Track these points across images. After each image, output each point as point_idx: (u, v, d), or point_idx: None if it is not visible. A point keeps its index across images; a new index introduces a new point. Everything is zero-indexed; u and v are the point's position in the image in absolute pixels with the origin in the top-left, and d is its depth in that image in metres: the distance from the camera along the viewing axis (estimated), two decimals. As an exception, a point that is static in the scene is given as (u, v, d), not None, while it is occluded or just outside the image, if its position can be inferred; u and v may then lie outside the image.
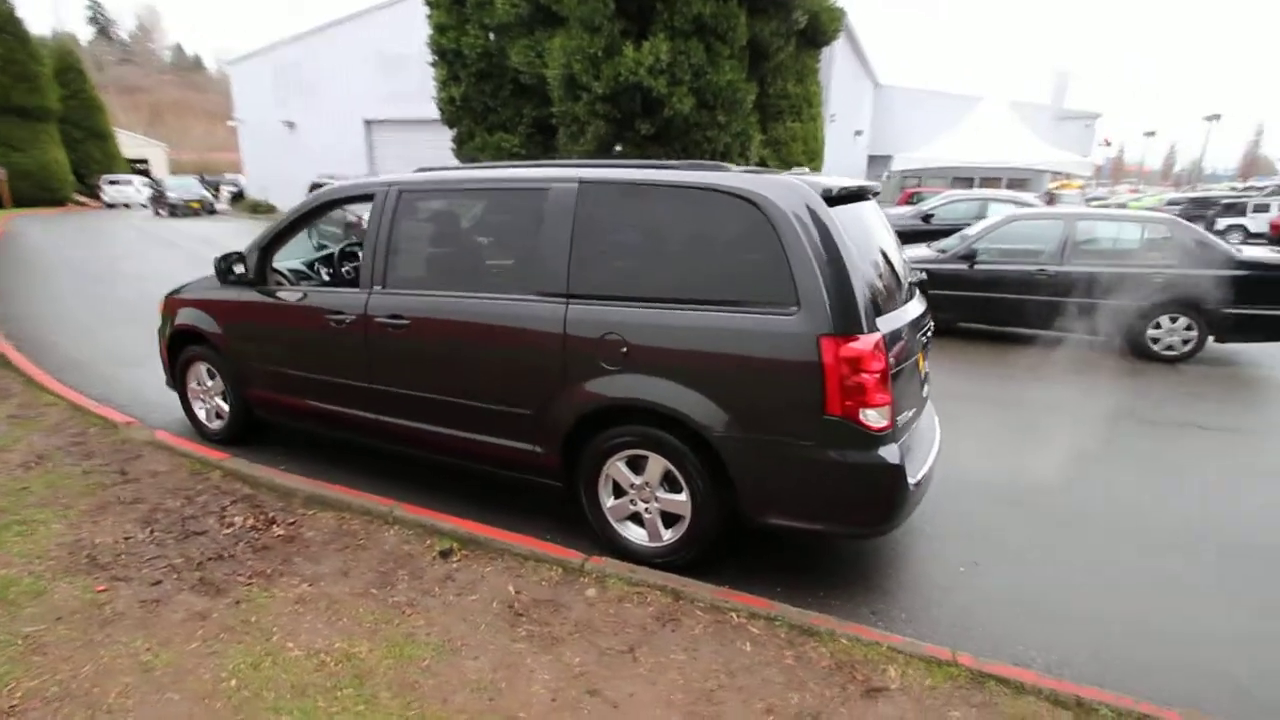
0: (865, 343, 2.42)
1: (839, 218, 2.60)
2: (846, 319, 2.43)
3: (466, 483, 3.68)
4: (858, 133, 25.91)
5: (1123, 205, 25.75)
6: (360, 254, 4.37)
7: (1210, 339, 6.42)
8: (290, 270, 4.13)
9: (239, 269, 3.77)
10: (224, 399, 4.19)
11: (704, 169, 2.81)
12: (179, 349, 4.29)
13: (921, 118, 26.48)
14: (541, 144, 13.12)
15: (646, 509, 2.90)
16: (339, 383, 3.54)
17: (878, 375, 2.43)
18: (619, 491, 2.95)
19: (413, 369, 3.27)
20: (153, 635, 2.38)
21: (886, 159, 25.73)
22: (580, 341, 2.82)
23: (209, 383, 4.23)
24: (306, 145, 24.35)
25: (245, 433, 4.18)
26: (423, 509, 3.24)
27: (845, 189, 2.80)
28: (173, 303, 4.31)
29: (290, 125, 24.71)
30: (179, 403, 4.40)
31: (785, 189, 2.59)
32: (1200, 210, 21.27)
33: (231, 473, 3.64)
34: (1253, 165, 67.12)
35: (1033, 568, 3.05)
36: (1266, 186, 26.40)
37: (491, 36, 12.54)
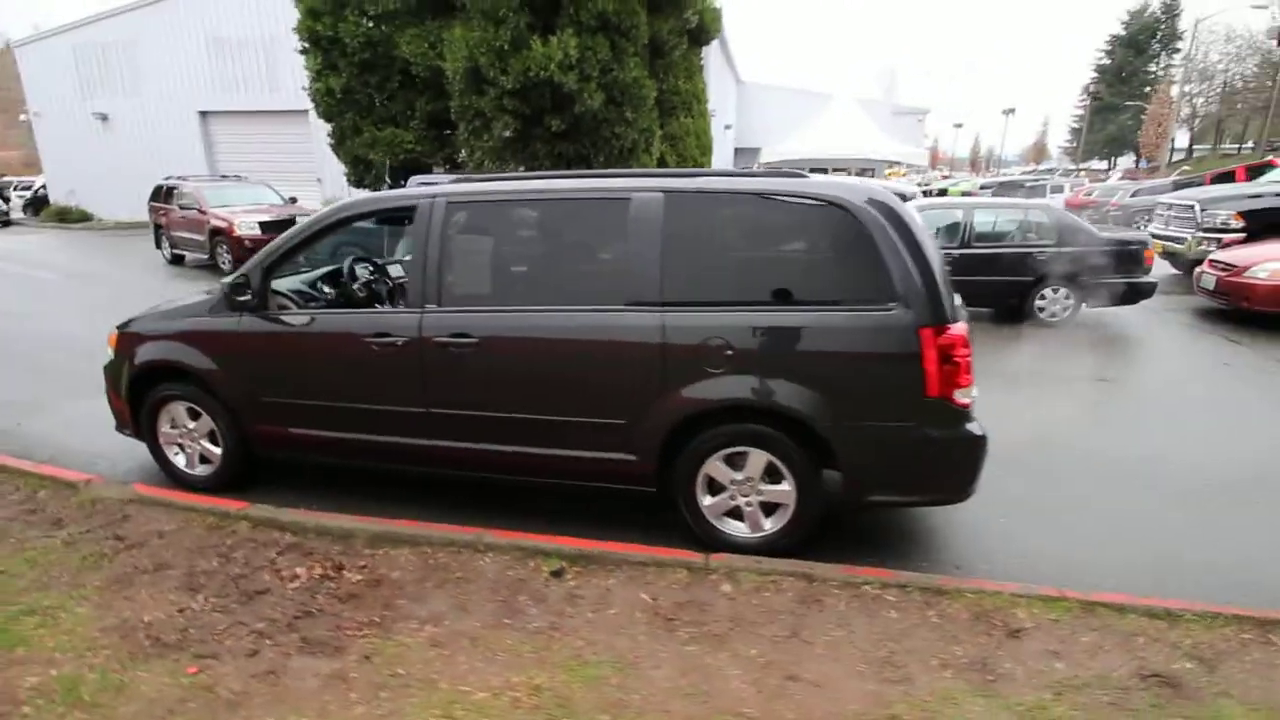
0: (956, 330, 2.73)
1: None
2: (938, 310, 2.72)
3: (511, 500, 3.59)
4: (727, 127, 27.19)
5: (943, 191, 29.28)
6: (356, 270, 4.08)
7: (1083, 305, 7.67)
8: (292, 292, 3.74)
9: (246, 295, 3.35)
10: (212, 441, 3.72)
11: (783, 177, 2.97)
12: (142, 390, 3.73)
13: (779, 113, 28.34)
14: (437, 140, 12.49)
15: (747, 502, 3.05)
16: (382, 410, 3.30)
17: (967, 358, 2.76)
18: (713, 489, 3.07)
19: (482, 389, 3.14)
20: (303, 709, 2.15)
21: (752, 151, 27.31)
22: (680, 348, 2.88)
23: (190, 425, 3.73)
24: (127, 140, 21.21)
25: (238, 477, 3.75)
26: (510, 532, 3.14)
27: (902, 193, 3.10)
28: (129, 337, 3.74)
29: (104, 118, 21.36)
30: (132, 449, 3.84)
31: (870, 193, 2.82)
32: (1008, 192, 24.72)
33: (263, 521, 3.27)
34: (1040, 152, 78.83)
35: (1045, 514, 3.58)
36: (1056, 170, 31.19)
37: (371, 24, 11.69)
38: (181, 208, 12.46)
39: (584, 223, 3.11)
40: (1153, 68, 58.32)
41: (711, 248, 2.94)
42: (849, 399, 2.80)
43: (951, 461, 2.85)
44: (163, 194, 13.33)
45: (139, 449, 4.18)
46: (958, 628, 2.51)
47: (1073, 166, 53.58)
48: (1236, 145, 52.80)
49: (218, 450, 3.71)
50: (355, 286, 3.91)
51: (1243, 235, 8.97)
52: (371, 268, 4.21)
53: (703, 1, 13.25)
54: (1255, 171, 17.02)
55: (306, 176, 19.92)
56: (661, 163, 13.08)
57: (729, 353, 2.83)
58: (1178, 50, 56.91)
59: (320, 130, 20.28)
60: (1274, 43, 43.92)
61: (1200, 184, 16.60)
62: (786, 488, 2.97)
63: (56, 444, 4.44)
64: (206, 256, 12.18)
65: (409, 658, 2.39)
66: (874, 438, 2.82)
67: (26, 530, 3.27)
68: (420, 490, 3.72)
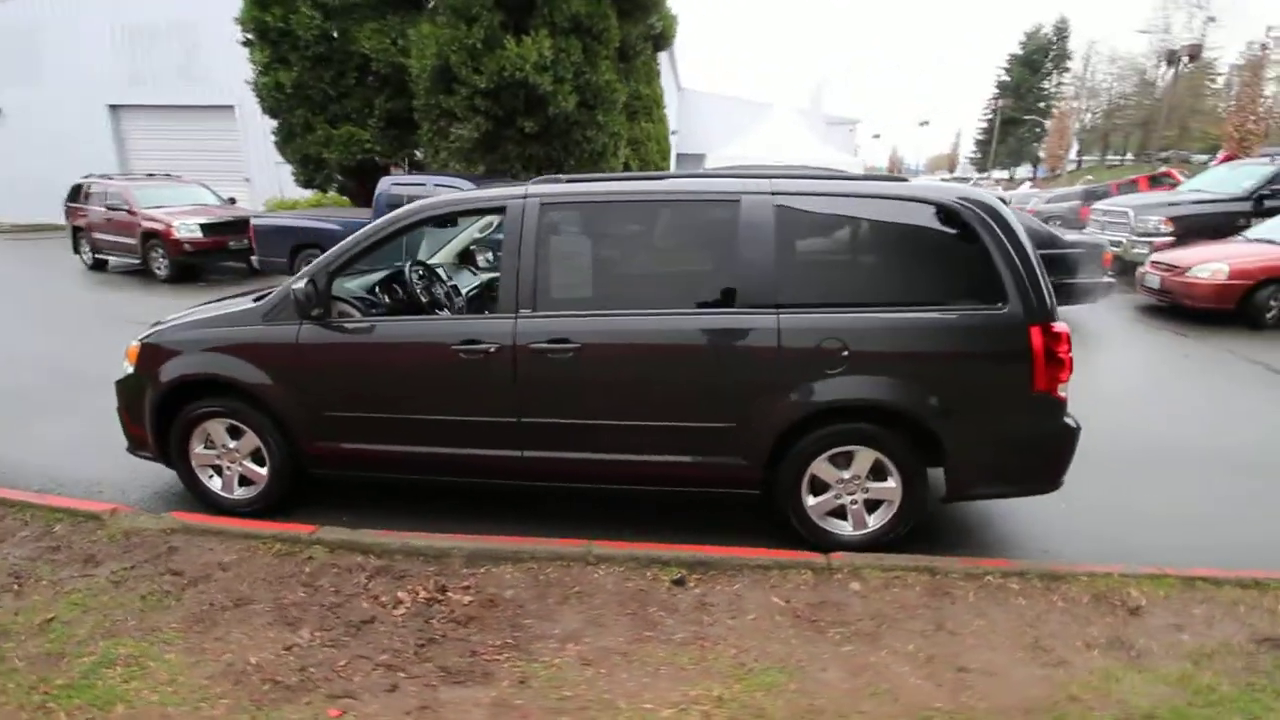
0: (1061, 327, 2.86)
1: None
2: (1044, 308, 2.85)
3: (566, 509, 3.49)
4: (673, 132, 27.46)
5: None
6: (413, 274, 3.85)
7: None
8: (352, 299, 3.47)
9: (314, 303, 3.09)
10: (256, 461, 3.41)
11: (884, 179, 3.03)
12: (173, 408, 3.38)
13: (720, 120, 28.86)
14: (397, 139, 11.97)
15: (852, 500, 3.08)
16: (466, 421, 3.13)
17: (1069, 354, 2.89)
18: (815, 489, 3.08)
19: (581, 397, 3.03)
20: (482, 741, 2.00)
21: (695, 157, 27.66)
22: (796, 350, 2.88)
23: (231, 444, 3.41)
24: (26, 136, 19.20)
25: (285, 498, 3.46)
26: (617, 542, 3.04)
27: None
28: (154, 351, 3.38)
29: (-5, 110, 19.25)
30: (136, 473, 3.48)
31: (971, 194, 2.92)
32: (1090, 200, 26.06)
33: (341, 545, 3.02)
34: (952, 162, 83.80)
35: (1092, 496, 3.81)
36: (969, 179, 33.33)
37: (326, 18, 11.07)
38: (108, 208, 11.38)
39: (690, 224, 3.05)
40: (1046, 85, 63.41)
41: (824, 249, 2.96)
42: (960, 396, 2.88)
43: (1049, 453, 2.98)
44: (83, 194, 12.14)
45: (144, 472, 3.82)
46: (1084, 609, 2.63)
47: (979, 175, 57.49)
48: (1119, 156, 58.27)
49: (263, 471, 3.41)
50: (419, 291, 3.68)
51: (1172, 239, 9.88)
52: (424, 271, 3.98)
53: (664, 7, 13.36)
54: (1155, 180, 18.76)
55: (233, 176, 18.62)
56: (626, 167, 13.07)
57: (845, 353, 2.86)
58: (1068, 69, 62.29)
59: (249, 127, 19.13)
60: (1150, 64, 48.72)
61: (1107, 193, 18.21)
62: (892, 485, 3.02)
63: (38, 472, 3.95)
64: (138, 261, 11.18)
65: (568, 679, 2.27)
66: (982, 433, 2.91)
67: (57, 571, 2.89)
68: (466, 503, 3.56)
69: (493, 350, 3.00)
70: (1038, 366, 2.83)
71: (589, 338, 2.97)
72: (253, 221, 9.94)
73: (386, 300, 3.69)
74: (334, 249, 3.21)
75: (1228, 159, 17.55)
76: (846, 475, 3.03)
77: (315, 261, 3.21)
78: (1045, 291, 2.86)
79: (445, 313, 3.77)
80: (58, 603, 2.67)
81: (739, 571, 2.86)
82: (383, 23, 10.71)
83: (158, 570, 2.89)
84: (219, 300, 3.97)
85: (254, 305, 3.33)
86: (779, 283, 2.89)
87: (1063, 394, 2.91)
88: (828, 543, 3.07)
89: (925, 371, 2.88)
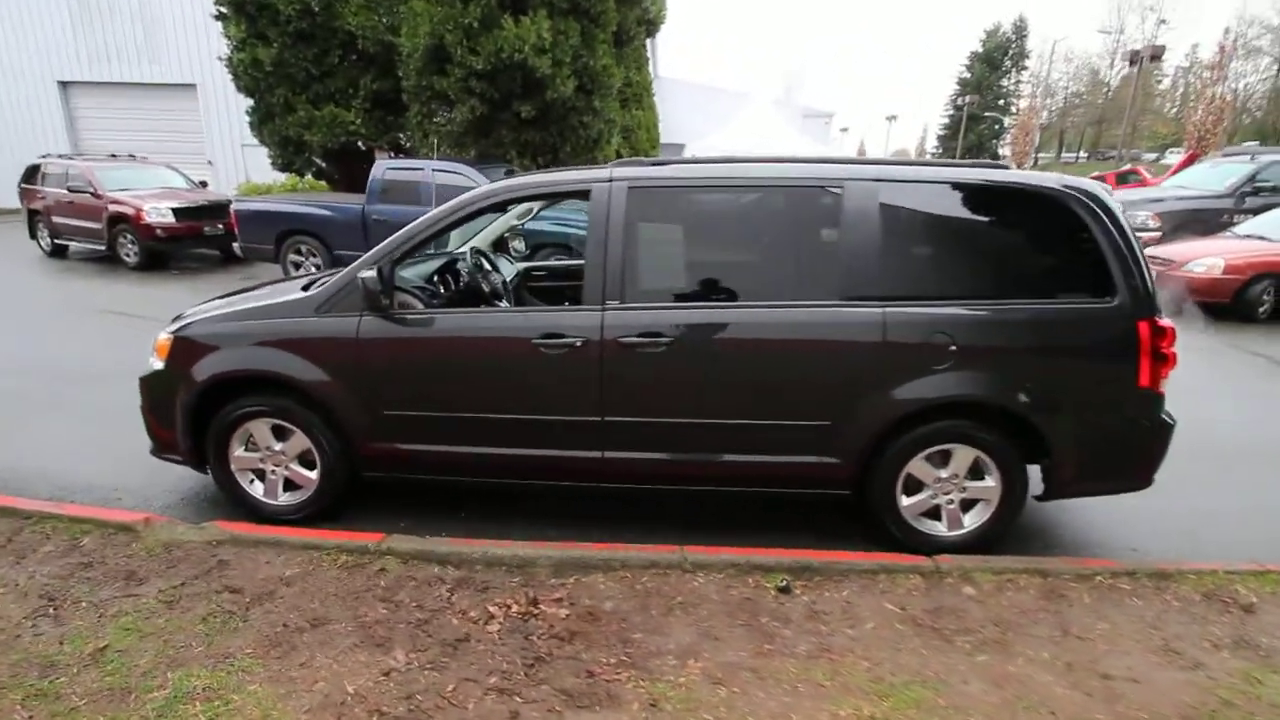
0: (1166, 321, 2.80)
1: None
2: (1151, 302, 2.78)
3: (629, 510, 3.34)
4: (651, 120, 27.17)
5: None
6: (473, 262, 3.59)
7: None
8: (411, 288, 3.21)
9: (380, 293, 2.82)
10: (304, 464, 3.15)
11: (989, 168, 2.92)
12: (211, 407, 3.09)
13: (698, 110, 28.68)
14: (383, 122, 11.45)
15: (949, 500, 2.98)
16: (544, 420, 2.93)
17: (1173, 349, 2.84)
18: (911, 489, 2.98)
19: (671, 394, 2.86)
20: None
21: (675, 147, 27.46)
22: (901, 345, 2.76)
23: (276, 446, 3.13)
24: (-35, 112, 17.89)
25: (337, 503, 3.21)
26: (713, 547, 2.88)
27: None
28: (189, 346, 3.08)
29: (-71, 84, 17.87)
30: (157, 475, 3.19)
31: (1080, 184, 2.83)
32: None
33: (414, 555, 2.79)
34: (920, 155, 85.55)
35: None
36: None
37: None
38: (70, 190, 10.63)
39: (790, 212, 2.89)
40: (1005, 83, 65.08)
41: (930, 239, 2.84)
42: (1066, 392, 2.80)
43: (1146, 450, 2.92)
44: (39, 175, 11.33)
45: (166, 476, 3.52)
46: (1199, 609, 2.59)
47: (944, 170, 58.59)
48: (1073, 154, 60.27)
49: (312, 475, 3.14)
50: (480, 281, 3.42)
51: (1159, 234, 10.14)
52: (481, 260, 3.72)
53: (654, -8, 13.11)
54: (1122, 178, 19.37)
55: (194, 159, 17.72)
56: (618, 155, 12.81)
57: (953, 348, 2.74)
58: (1026, 68, 64.05)
59: (213, 107, 18.23)
60: (1104, 64, 50.38)
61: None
62: (991, 484, 2.93)
63: (39, 477, 3.60)
64: (104, 247, 10.49)
65: (703, 700, 2.11)
66: (1085, 430, 2.84)
67: (96, 590, 2.60)
68: (513, 505, 3.39)
69: (579, 344, 2.80)
70: (1144, 361, 2.77)
71: (682, 332, 2.79)
72: (235, 206, 9.39)
73: (443, 291, 3.43)
74: (398, 234, 2.95)
75: (1191, 158, 18.17)
76: (944, 474, 2.94)
77: (378, 248, 2.95)
78: (1150, 284, 2.80)
79: (503, 304, 3.53)
80: (106, 628, 2.39)
81: (844, 577, 2.74)
82: (370, -1, 10.20)
83: (212, 588, 2.62)
84: (247, 290, 3.65)
85: (304, 296, 3.05)
86: (884, 274, 2.76)
87: (1163, 389, 2.86)
88: (922, 544, 2.97)
89: (1032, 366, 2.79)
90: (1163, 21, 48.32)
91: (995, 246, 2.92)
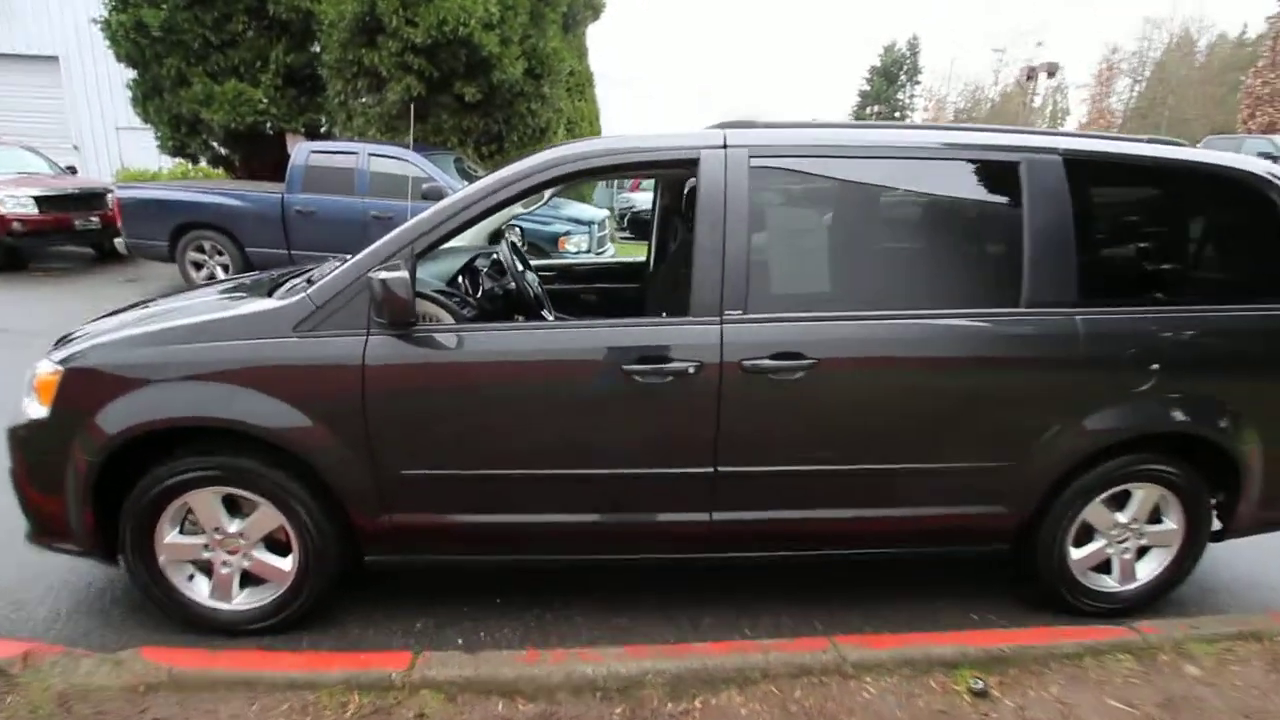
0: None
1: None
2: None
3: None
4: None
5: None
6: (511, 262, 2.70)
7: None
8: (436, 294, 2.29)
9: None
10: (274, 549, 2.20)
11: (1170, 143, 2.39)
12: (128, 472, 2.08)
13: (625, 109, 28.07)
14: (296, 101, 9.99)
15: (1124, 550, 2.44)
16: (634, 475, 2.14)
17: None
18: (1081, 538, 2.41)
19: (809, 433, 2.14)
20: None
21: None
22: (1097, 362, 2.17)
23: (231, 526, 2.16)
24: None
25: (319, 604, 2.26)
26: (869, 637, 2.19)
27: None
28: (98, 381, 2.06)
29: None
30: (39, 571, 2.15)
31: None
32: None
33: (465, 685, 1.91)
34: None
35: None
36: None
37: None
38: (-107, 174, 8.55)
39: (958, 191, 2.23)
40: (901, 96, 68.97)
41: (1123, 229, 2.27)
42: (1267, 414, 2.32)
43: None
44: None
45: (53, 570, 2.44)
46: None
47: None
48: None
49: (286, 564, 2.19)
50: (528, 286, 2.52)
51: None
52: (518, 259, 2.82)
53: (599, -25, 12.35)
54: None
55: (57, 142, 15.21)
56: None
57: (1155, 366, 2.19)
58: (919, 82, 68.13)
59: (78, 82, 15.70)
60: (988, 81, 54.27)
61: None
62: (1172, 526, 2.41)
63: None
64: (-58, 244, 8.50)
65: None
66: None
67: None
68: (558, 582, 2.57)
69: (691, 371, 2.02)
70: (1353, 379, 2.33)
71: (828, 350, 2.08)
72: (118, 193, 7.79)
73: (473, 299, 2.53)
74: (421, 218, 2.06)
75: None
76: (1123, 518, 2.39)
77: (393, 236, 2.04)
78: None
79: (550, 316, 2.66)
80: None
81: (1044, 666, 2.11)
82: (284, -43, 8.81)
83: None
84: (171, 299, 2.61)
85: (274, 306, 2.09)
86: (1077, 272, 2.16)
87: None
88: (1092, 604, 2.42)
89: (1239, 386, 2.29)
90: (1040, 44, 52.58)
91: (1199, 240, 2.40)
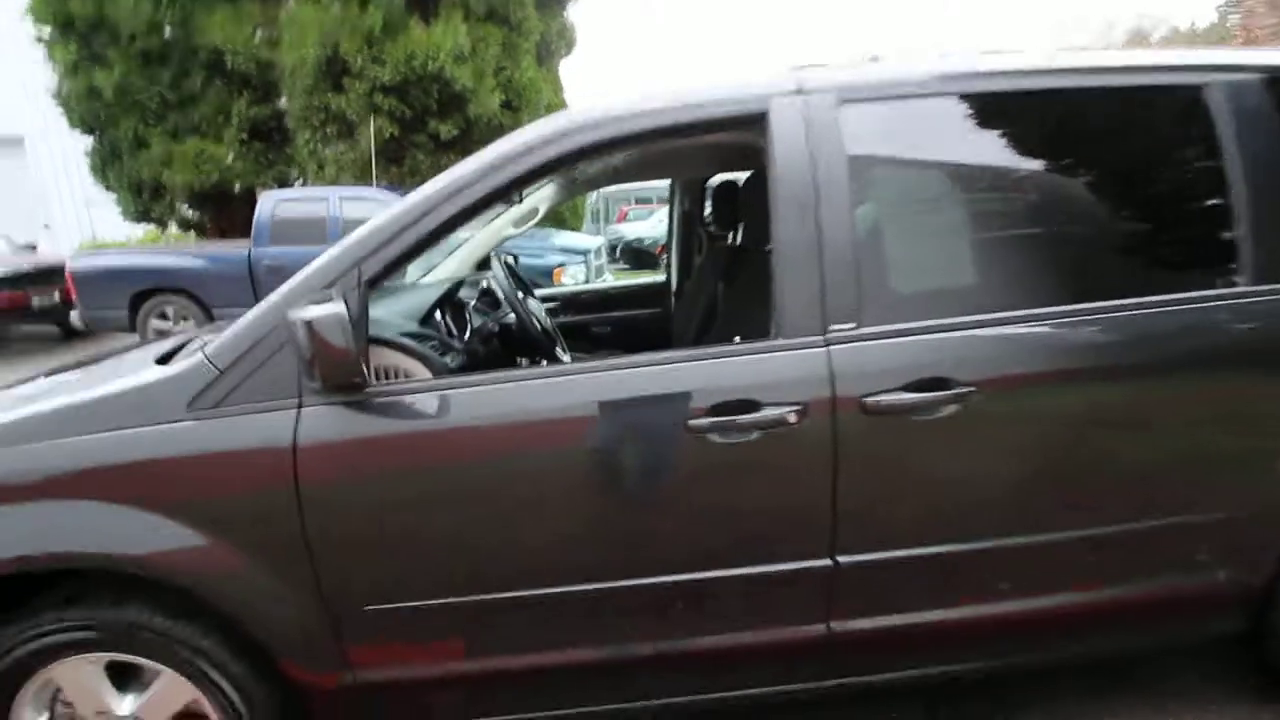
0: None
1: None
2: None
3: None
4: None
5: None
6: (507, 290, 2.04)
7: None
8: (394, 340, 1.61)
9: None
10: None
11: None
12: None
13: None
14: (264, 155, 9.47)
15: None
16: (712, 580, 1.44)
17: None
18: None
19: (978, 491, 1.46)
20: None
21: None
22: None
23: (120, 709, 1.45)
24: None
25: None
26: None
27: None
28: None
29: None
30: None
31: None
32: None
33: None
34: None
35: None
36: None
37: (152, 6, 8.49)
38: None
39: (1131, 135, 1.58)
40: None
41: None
42: None
43: None
44: None
45: None
46: None
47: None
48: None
49: (209, 751, 1.46)
50: (530, 321, 1.84)
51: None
52: (514, 281, 2.13)
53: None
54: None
55: (27, 224, 14.68)
56: (549, 181, 11.47)
57: None
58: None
59: (46, 161, 15.27)
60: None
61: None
62: None
63: None
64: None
65: None
66: None
67: None
68: None
69: (791, 419, 1.34)
70: None
71: (989, 369, 1.40)
72: (70, 265, 7.17)
73: (458, 342, 1.84)
74: (372, 225, 1.40)
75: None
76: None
77: (325, 259, 1.38)
78: None
79: (564, 354, 1.98)
80: None
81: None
82: (239, 9, 8.38)
83: None
84: (31, 380, 1.92)
85: (160, 377, 1.42)
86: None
87: None
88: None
89: None
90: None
91: None
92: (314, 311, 1.18)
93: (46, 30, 8.77)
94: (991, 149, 1.55)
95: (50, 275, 8.44)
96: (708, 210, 3.10)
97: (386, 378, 1.51)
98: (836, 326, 1.39)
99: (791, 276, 1.39)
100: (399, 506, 1.38)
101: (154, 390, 1.40)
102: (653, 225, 14.13)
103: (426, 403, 1.39)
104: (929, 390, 1.37)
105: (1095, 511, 1.50)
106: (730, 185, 2.56)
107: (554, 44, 10.80)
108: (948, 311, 1.43)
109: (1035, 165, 1.58)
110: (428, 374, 1.51)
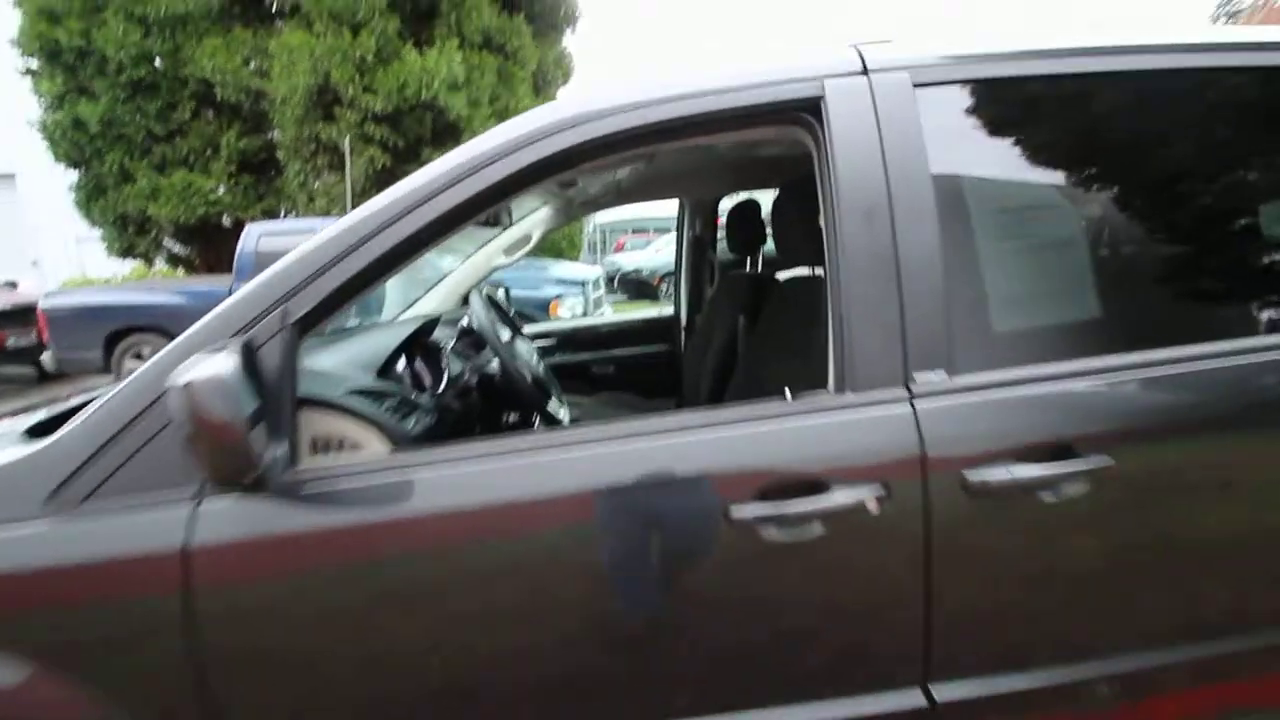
0: None
1: None
2: None
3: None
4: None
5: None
6: (495, 331, 1.69)
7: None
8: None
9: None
10: None
11: None
12: None
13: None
14: (253, 187, 9.23)
15: None
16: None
17: None
18: None
19: (1126, 601, 1.09)
20: None
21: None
22: None
23: None
24: None
25: None
26: None
27: None
28: None
29: None
30: None
31: None
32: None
33: None
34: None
35: None
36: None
37: (146, 33, 8.32)
38: None
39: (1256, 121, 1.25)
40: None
41: None
42: None
43: None
44: None
45: None
46: None
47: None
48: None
49: None
50: (519, 369, 1.48)
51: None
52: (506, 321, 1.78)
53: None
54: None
55: (15, 261, 14.47)
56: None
57: None
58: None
59: (35, 198, 15.09)
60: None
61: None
62: None
63: None
64: None
65: None
66: None
67: None
68: None
69: (870, 506, 0.98)
70: None
71: (1133, 429, 1.05)
72: (41, 304, 6.86)
73: (425, 397, 1.48)
74: (303, 251, 1.06)
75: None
76: None
77: (235, 296, 1.03)
78: None
79: (563, 413, 1.61)
80: None
81: None
82: (228, 38, 8.22)
83: None
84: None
85: (20, 455, 1.05)
86: None
87: None
88: None
89: None
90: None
91: None
92: (198, 374, 0.83)
93: (34, 62, 8.58)
94: (1122, 143, 1.21)
95: (28, 314, 8.10)
96: (720, 235, 2.78)
97: (328, 449, 1.15)
98: (922, 375, 1.03)
99: (859, 310, 1.04)
100: (338, 630, 1.00)
101: (12, 473, 1.04)
102: (650, 255, 13.92)
103: (379, 486, 1.02)
104: (1051, 460, 1.02)
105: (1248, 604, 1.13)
106: (751, 204, 2.24)
107: (550, 73, 10.69)
108: (1069, 353, 1.07)
109: (1190, 164, 1.23)
110: (382, 445, 1.15)
